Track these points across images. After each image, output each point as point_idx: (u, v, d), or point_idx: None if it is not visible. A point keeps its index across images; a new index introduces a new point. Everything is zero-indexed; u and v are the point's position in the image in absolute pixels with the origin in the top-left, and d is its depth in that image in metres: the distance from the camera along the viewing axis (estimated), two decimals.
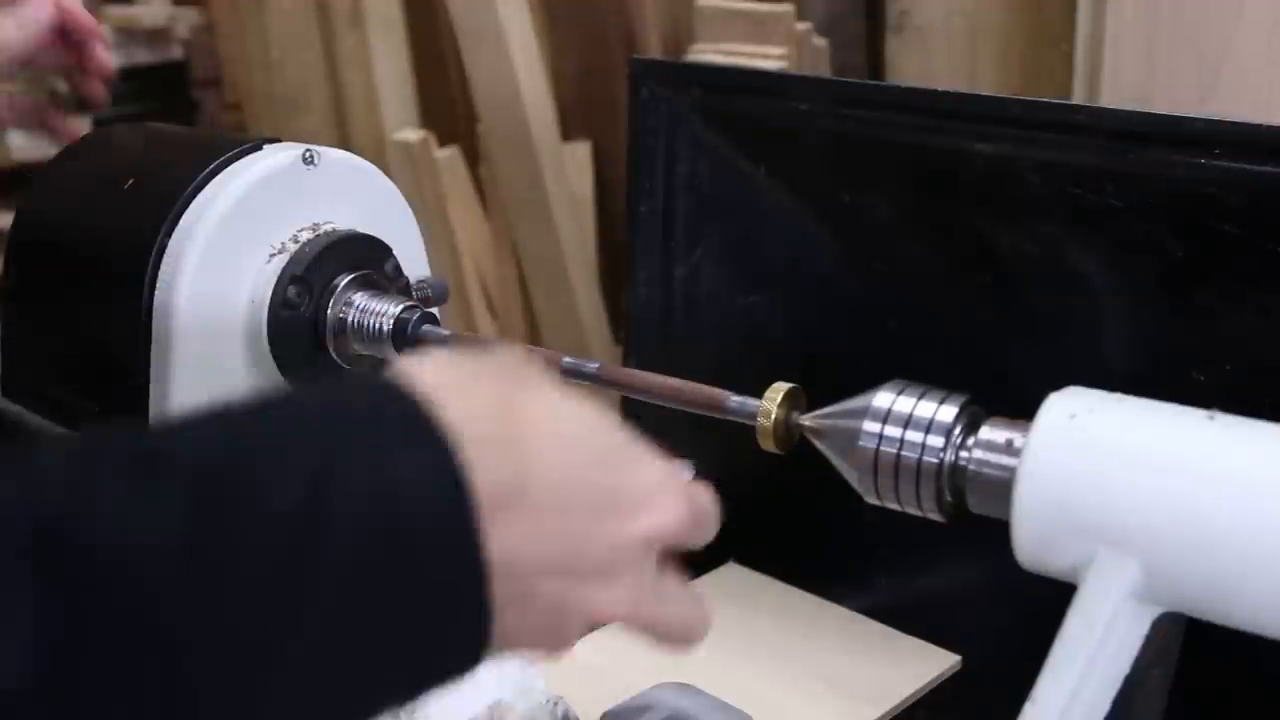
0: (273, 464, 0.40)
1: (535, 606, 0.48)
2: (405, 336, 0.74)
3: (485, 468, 0.44)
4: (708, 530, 0.56)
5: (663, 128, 0.95)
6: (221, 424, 0.43)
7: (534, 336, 1.66)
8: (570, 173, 1.68)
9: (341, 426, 0.43)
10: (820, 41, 1.49)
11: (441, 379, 0.46)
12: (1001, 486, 0.61)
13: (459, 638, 0.45)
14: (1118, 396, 0.60)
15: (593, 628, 0.52)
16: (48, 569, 0.36)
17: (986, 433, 0.63)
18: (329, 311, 0.74)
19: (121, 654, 0.37)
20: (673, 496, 0.52)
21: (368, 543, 0.41)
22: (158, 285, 0.71)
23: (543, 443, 0.47)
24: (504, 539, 0.45)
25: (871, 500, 0.68)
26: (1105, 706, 0.56)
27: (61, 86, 0.86)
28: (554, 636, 0.50)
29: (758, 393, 0.70)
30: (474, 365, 0.49)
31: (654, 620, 0.53)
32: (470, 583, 0.44)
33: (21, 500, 0.38)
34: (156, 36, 2.31)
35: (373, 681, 0.43)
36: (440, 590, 0.43)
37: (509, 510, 0.45)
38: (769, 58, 1.43)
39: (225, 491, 0.39)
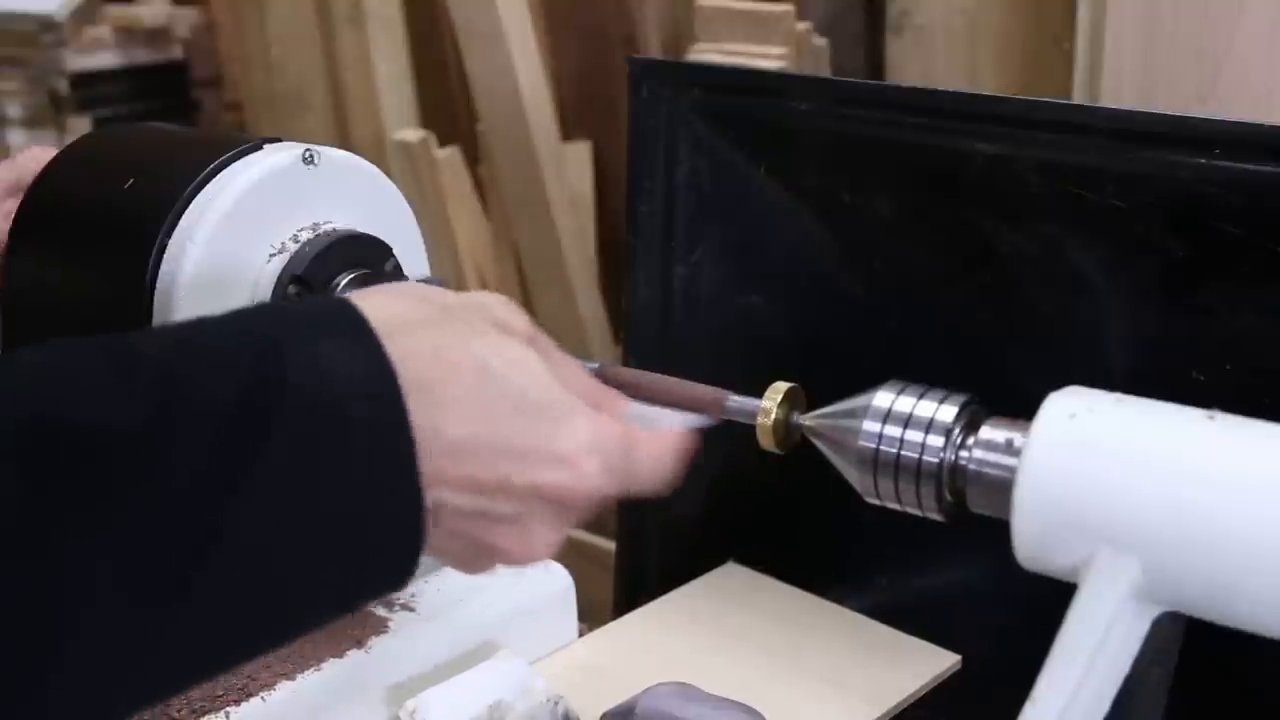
0: (224, 363, 0.44)
1: (454, 540, 0.52)
2: None
3: (410, 391, 0.47)
4: (651, 479, 0.59)
5: (663, 128, 0.95)
6: (184, 329, 0.48)
7: None
8: (570, 173, 1.68)
9: (291, 337, 0.46)
10: (820, 41, 1.49)
11: (385, 317, 0.49)
12: (1001, 486, 0.61)
13: (391, 523, 0.48)
14: (1118, 396, 0.60)
15: (513, 567, 0.55)
16: (30, 448, 0.40)
17: (986, 432, 0.63)
18: None
19: (84, 527, 0.40)
20: (594, 458, 0.54)
21: (306, 433, 0.44)
22: (158, 285, 0.71)
23: (462, 394, 0.50)
24: (430, 484, 0.48)
25: (871, 500, 0.68)
26: (1105, 706, 0.57)
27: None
28: (467, 565, 0.54)
29: (758, 393, 0.70)
30: (420, 308, 0.52)
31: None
32: (406, 476, 0.47)
33: (12, 388, 0.41)
34: (156, 36, 2.31)
35: (307, 577, 0.46)
36: (373, 483, 0.46)
37: (423, 454, 0.48)
38: (769, 58, 1.43)
39: (180, 388, 0.43)
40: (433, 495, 0.49)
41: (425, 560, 0.87)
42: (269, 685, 0.70)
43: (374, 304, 0.50)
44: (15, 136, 2.22)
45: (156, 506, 0.41)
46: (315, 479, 0.45)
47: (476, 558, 0.54)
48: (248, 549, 0.43)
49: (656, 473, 0.58)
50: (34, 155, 0.81)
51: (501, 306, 0.56)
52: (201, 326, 0.48)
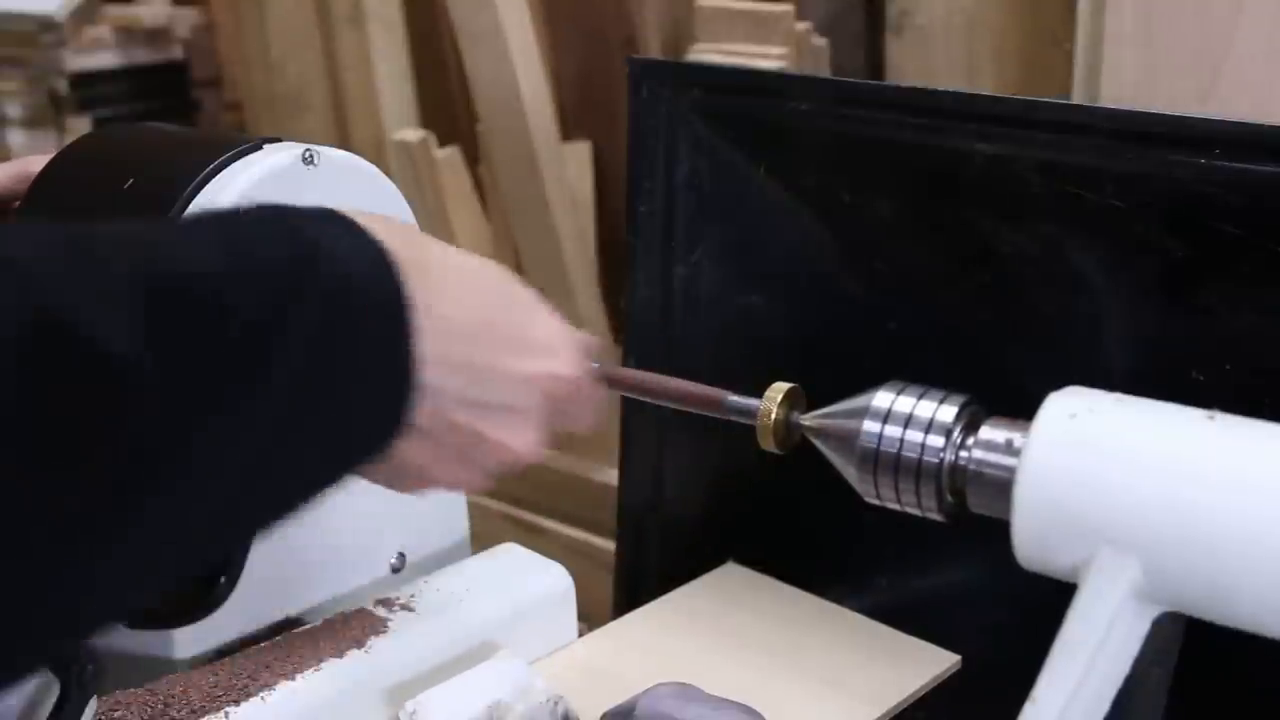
0: (270, 240, 0.49)
1: (449, 434, 0.54)
2: None
3: (409, 277, 0.50)
4: (590, 410, 0.62)
5: (663, 128, 0.95)
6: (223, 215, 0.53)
7: None
8: (570, 173, 1.68)
9: (313, 225, 0.50)
10: (820, 41, 1.49)
11: (367, 219, 0.52)
12: (1001, 486, 0.61)
13: (386, 397, 0.51)
14: (1117, 396, 0.60)
15: (501, 469, 0.57)
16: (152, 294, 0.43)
17: (986, 432, 0.63)
18: None
19: (193, 357, 0.44)
20: (570, 350, 0.59)
21: (329, 296, 0.48)
22: None
23: (451, 280, 0.54)
24: (425, 360, 0.51)
25: (871, 500, 0.68)
26: (1105, 706, 0.57)
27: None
28: (466, 468, 0.56)
29: (758, 393, 0.70)
30: (398, 223, 0.55)
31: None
32: (401, 339, 0.50)
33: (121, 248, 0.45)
34: (156, 36, 2.31)
35: (327, 415, 0.49)
36: (376, 344, 0.50)
37: (430, 322, 0.51)
38: (769, 58, 1.43)
39: (243, 255, 0.47)
40: (431, 376, 0.52)
41: (424, 560, 0.87)
42: (269, 685, 0.70)
43: (360, 217, 0.53)
44: (15, 136, 2.22)
45: (228, 335, 0.45)
46: (334, 334, 0.48)
47: (470, 453, 0.56)
48: (289, 377, 0.47)
49: (599, 400, 0.63)
50: (34, 159, 0.81)
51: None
52: (237, 213, 0.52)
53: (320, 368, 0.47)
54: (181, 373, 0.43)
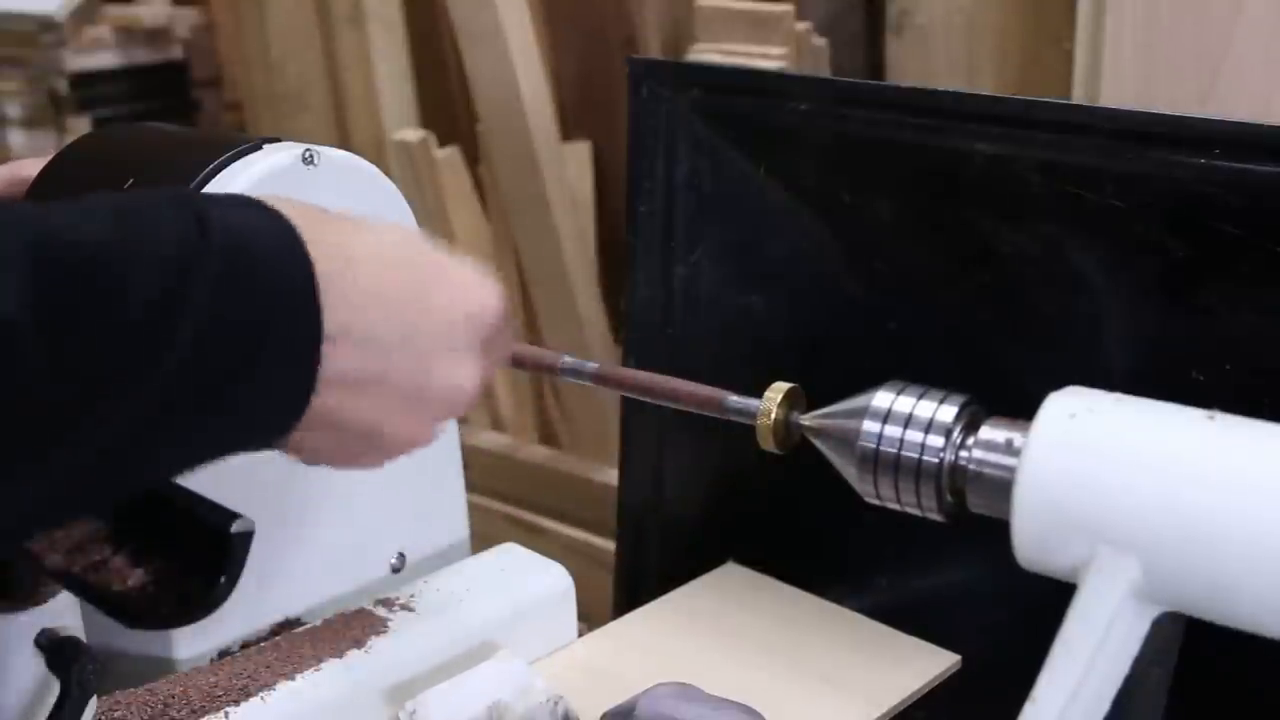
0: (163, 215, 0.49)
1: (391, 382, 0.54)
2: None
3: (314, 243, 0.51)
4: (511, 341, 0.63)
5: (663, 128, 0.95)
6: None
7: (534, 336, 1.66)
8: (570, 173, 1.68)
9: (213, 203, 0.51)
10: (820, 41, 1.49)
11: (275, 199, 0.53)
12: (1001, 486, 0.61)
13: (289, 375, 0.51)
14: (1117, 396, 0.60)
15: (451, 412, 0.57)
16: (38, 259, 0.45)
17: (986, 432, 0.63)
18: None
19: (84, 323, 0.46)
20: (489, 282, 0.59)
21: (229, 269, 0.49)
22: None
23: (367, 239, 0.55)
24: (339, 308, 0.51)
25: (871, 500, 0.68)
26: (1105, 706, 0.57)
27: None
28: (414, 417, 0.56)
29: (758, 393, 0.70)
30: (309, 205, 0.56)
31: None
32: (306, 318, 0.51)
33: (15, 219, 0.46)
34: (156, 36, 2.31)
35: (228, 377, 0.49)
36: (282, 294, 0.50)
37: (340, 277, 0.51)
38: (769, 58, 1.43)
39: (135, 225, 0.48)
40: (354, 323, 0.52)
41: (424, 560, 0.87)
42: (269, 685, 0.70)
43: (270, 198, 0.53)
44: (15, 136, 2.22)
45: (117, 301, 0.46)
46: (236, 288, 0.49)
47: (417, 401, 0.56)
48: (191, 335, 0.47)
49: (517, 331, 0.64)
50: (26, 163, 0.81)
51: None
52: (143, 192, 0.54)
53: (225, 323, 0.48)
54: (66, 335, 0.45)
